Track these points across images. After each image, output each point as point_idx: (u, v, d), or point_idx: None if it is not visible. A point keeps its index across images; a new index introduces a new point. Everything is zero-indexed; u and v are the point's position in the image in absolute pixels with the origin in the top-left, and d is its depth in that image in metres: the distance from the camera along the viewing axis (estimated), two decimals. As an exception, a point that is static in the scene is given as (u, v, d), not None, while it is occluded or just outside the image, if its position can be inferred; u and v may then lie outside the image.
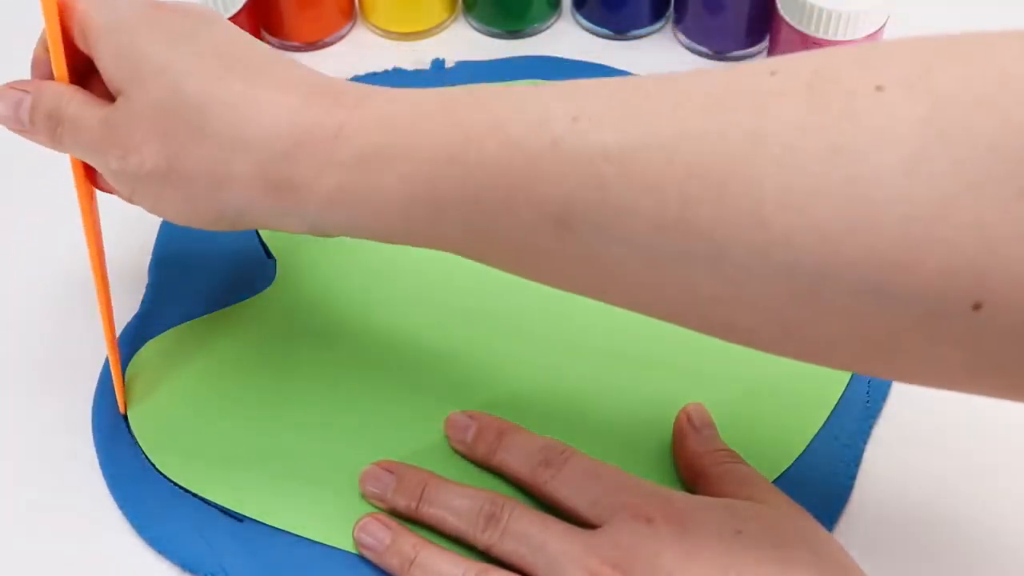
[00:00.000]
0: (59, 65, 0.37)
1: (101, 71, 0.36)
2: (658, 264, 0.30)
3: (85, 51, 0.37)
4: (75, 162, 0.39)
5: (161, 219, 0.50)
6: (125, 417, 0.43)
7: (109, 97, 0.37)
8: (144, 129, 0.35)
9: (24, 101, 0.38)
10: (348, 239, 0.48)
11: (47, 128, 0.37)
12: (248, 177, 0.34)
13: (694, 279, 0.29)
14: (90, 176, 0.40)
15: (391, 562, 0.38)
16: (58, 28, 0.36)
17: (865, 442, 0.42)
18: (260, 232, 0.48)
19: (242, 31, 0.37)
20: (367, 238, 0.35)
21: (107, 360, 0.44)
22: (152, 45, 0.35)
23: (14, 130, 0.39)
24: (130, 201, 0.38)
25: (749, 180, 0.27)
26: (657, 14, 0.58)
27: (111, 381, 0.44)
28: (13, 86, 0.38)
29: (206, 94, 0.34)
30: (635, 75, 0.31)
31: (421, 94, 0.34)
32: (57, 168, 0.52)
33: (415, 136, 0.32)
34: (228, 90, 0.34)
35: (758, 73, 0.29)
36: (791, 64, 0.29)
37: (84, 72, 0.38)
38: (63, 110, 0.37)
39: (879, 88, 0.27)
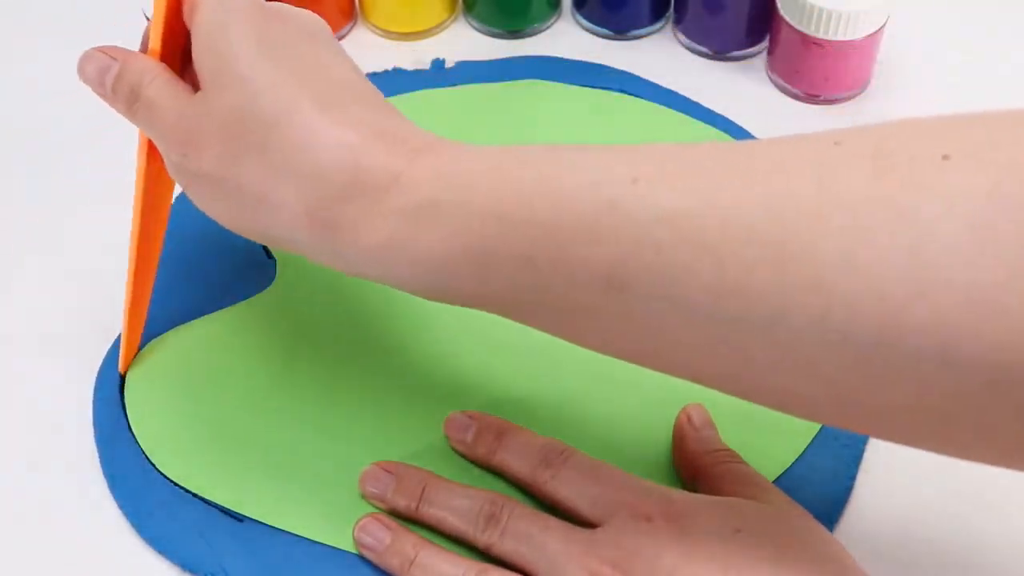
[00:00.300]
0: (155, 38, 0.38)
1: (192, 49, 0.36)
2: (712, 329, 0.29)
3: (186, 22, 0.37)
4: (146, 142, 0.39)
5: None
6: (122, 378, 0.43)
7: (194, 86, 0.37)
8: (211, 131, 0.35)
9: (111, 68, 0.38)
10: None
11: (126, 100, 0.37)
12: (296, 207, 0.34)
13: (749, 345, 0.29)
14: (158, 159, 0.39)
15: (391, 562, 0.38)
16: (165, 2, 0.37)
17: (865, 442, 0.42)
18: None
19: (337, 50, 0.37)
20: (405, 291, 0.35)
21: (107, 360, 0.44)
22: (243, 48, 0.35)
23: (97, 93, 0.39)
24: (188, 196, 0.38)
25: (810, 245, 0.27)
26: (657, 14, 0.58)
27: (112, 381, 0.44)
28: (104, 51, 0.38)
29: (277, 115, 0.34)
30: (694, 143, 0.31)
31: (480, 149, 0.34)
32: (61, 163, 0.52)
33: (469, 192, 0.32)
34: (298, 116, 0.34)
35: (822, 143, 0.29)
36: (855, 134, 0.29)
37: (187, 52, 0.38)
38: (144, 87, 0.37)
39: (945, 158, 0.27)
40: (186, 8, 0.37)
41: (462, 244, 0.32)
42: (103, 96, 0.38)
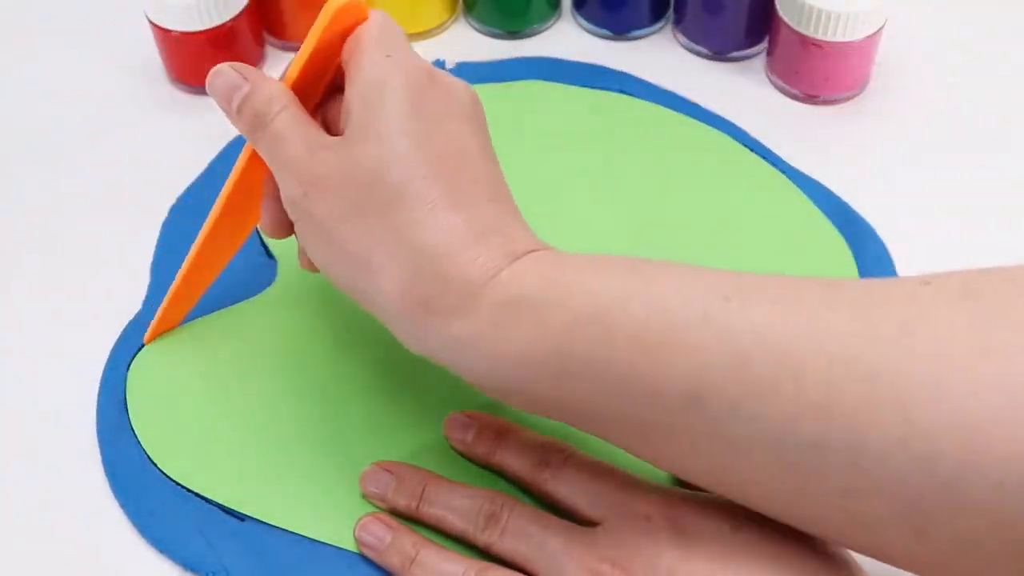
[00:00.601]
0: (296, 67, 0.37)
1: (345, 94, 0.36)
2: (791, 449, 0.29)
3: (343, 65, 0.37)
4: (252, 152, 0.39)
5: (162, 219, 0.50)
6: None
7: (327, 126, 0.37)
8: (338, 179, 0.35)
9: (240, 89, 0.37)
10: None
11: (249, 124, 0.37)
12: (394, 281, 0.34)
13: (827, 468, 0.29)
14: (259, 171, 0.39)
15: (392, 561, 0.38)
16: (322, 30, 0.36)
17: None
18: (260, 232, 0.48)
19: (484, 137, 0.37)
20: (476, 385, 0.35)
21: (109, 359, 0.44)
22: (396, 109, 0.35)
23: (221, 108, 0.38)
24: (296, 231, 0.38)
25: (898, 372, 0.28)
26: (657, 15, 0.58)
27: (113, 381, 0.44)
28: (236, 68, 0.38)
29: (405, 186, 0.34)
30: (774, 276, 0.32)
31: (581, 257, 0.34)
32: (61, 163, 0.53)
33: (563, 292, 0.32)
34: (423, 195, 0.34)
35: (911, 282, 0.30)
36: (944, 276, 0.30)
37: (329, 91, 0.38)
38: (270, 116, 0.36)
39: None
40: (348, 47, 0.37)
41: (548, 343, 0.32)
42: (227, 114, 0.38)
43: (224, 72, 0.38)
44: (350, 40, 0.37)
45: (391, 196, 0.34)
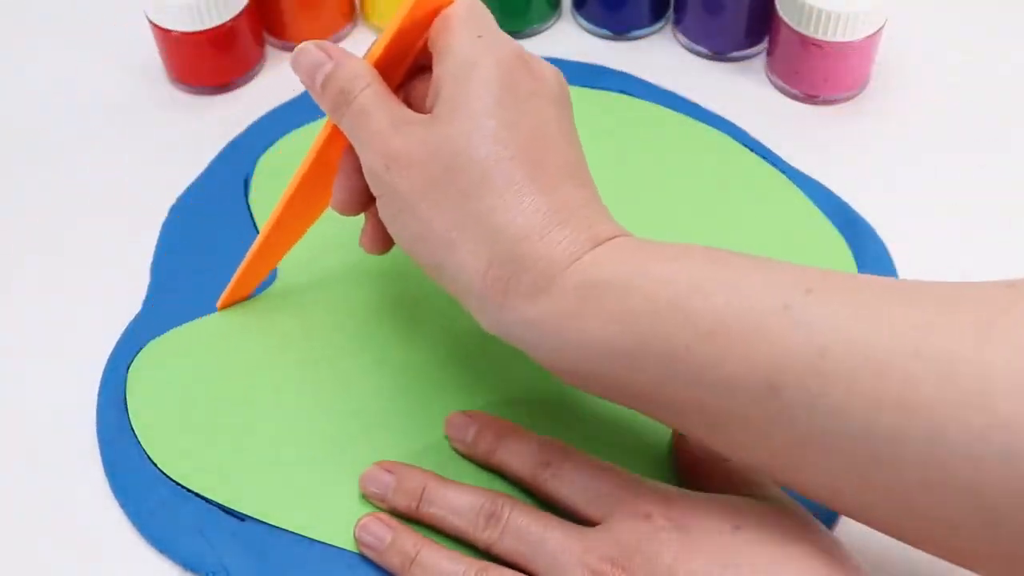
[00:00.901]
0: (381, 45, 0.38)
1: (434, 73, 0.36)
2: (868, 442, 0.29)
3: (430, 46, 0.37)
4: (332, 128, 0.39)
5: (162, 219, 0.50)
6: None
7: (411, 104, 0.37)
8: (424, 156, 0.35)
9: (324, 66, 0.38)
10: (349, 240, 0.48)
11: (333, 101, 0.37)
12: (476, 260, 0.34)
13: (903, 461, 0.29)
14: (339, 145, 0.39)
15: (392, 561, 0.38)
16: (408, 11, 0.36)
17: (864, 442, 0.42)
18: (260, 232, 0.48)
19: (570, 122, 0.37)
20: (549, 367, 0.35)
21: (109, 359, 0.44)
22: (487, 90, 0.35)
23: (305, 86, 0.39)
24: (384, 221, 0.38)
25: (979, 364, 0.28)
26: (657, 15, 0.58)
27: (114, 381, 0.44)
28: (320, 47, 0.38)
29: (491, 167, 0.34)
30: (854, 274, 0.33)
31: (664, 245, 0.34)
32: (61, 163, 0.53)
33: (644, 279, 0.33)
34: (509, 175, 0.34)
35: (993, 285, 0.30)
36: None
37: (411, 70, 0.38)
38: (355, 93, 0.37)
39: None
40: (436, 28, 0.37)
41: (626, 329, 0.32)
42: (311, 91, 0.38)
43: (308, 50, 0.38)
44: (438, 20, 0.37)
45: (477, 175, 0.34)
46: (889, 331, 0.29)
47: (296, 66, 0.38)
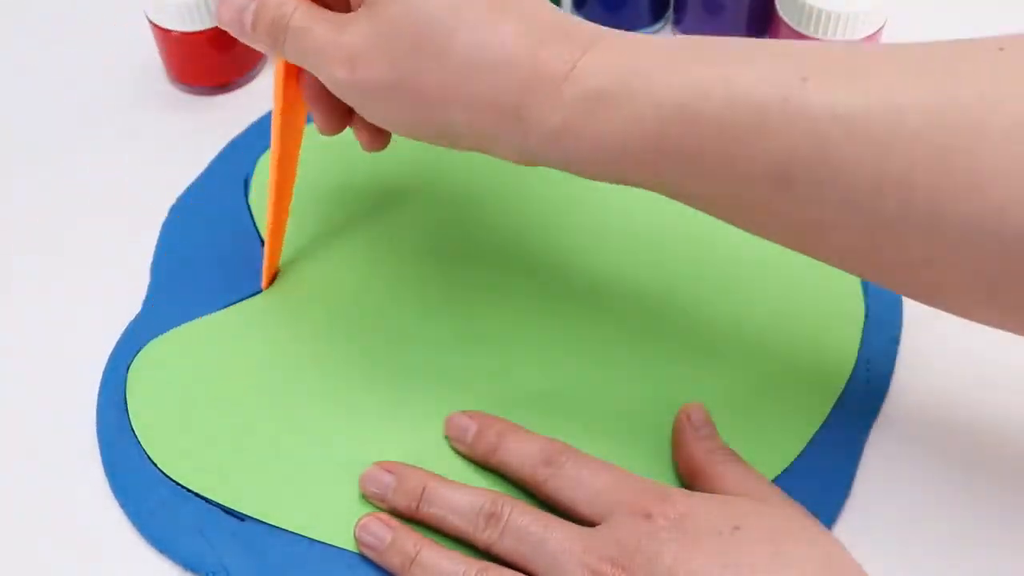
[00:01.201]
0: None
1: None
2: (873, 225, 0.31)
3: None
4: (283, 70, 0.40)
5: (162, 219, 0.50)
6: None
7: (337, 7, 0.37)
8: (380, 44, 0.35)
9: (247, 8, 0.38)
10: (348, 241, 0.48)
11: (270, 36, 0.38)
12: (478, 100, 0.35)
13: (907, 241, 0.31)
14: (295, 86, 0.40)
15: (392, 561, 0.38)
16: None
17: (865, 442, 0.42)
18: (260, 232, 0.48)
19: None
20: (575, 173, 0.36)
21: (109, 359, 0.44)
22: None
23: (238, 36, 0.39)
24: (358, 111, 0.38)
25: (974, 149, 0.29)
26: (657, 14, 0.58)
27: (114, 381, 0.44)
28: None
29: (453, 15, 0.35)
30: (858, 42, 0.33)
31: (652, 42, 0.35)
32: (61, 163, 0.53)
33: (644, 82, 0.33)
34: (472, 16, 0.35)
35: (987, 49, 0.31)
36: (1018, 41, 0.31)
37: None
38: (287, 18, 0.37)
39: None
40: None
41: (636, 133, 0.33)
42: (244, 37, 0.39)
43: (226, 1, 0.38)
44: None
45: (443, 30, 0.35)
46: (888, 117, 0.30)
47: (222, 20, 0.39)
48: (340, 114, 0.40)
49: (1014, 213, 0.29)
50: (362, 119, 0.40)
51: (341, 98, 0.38)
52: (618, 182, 0.36)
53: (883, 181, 0.30)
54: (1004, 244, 0.30)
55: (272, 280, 0.47)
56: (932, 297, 0.34)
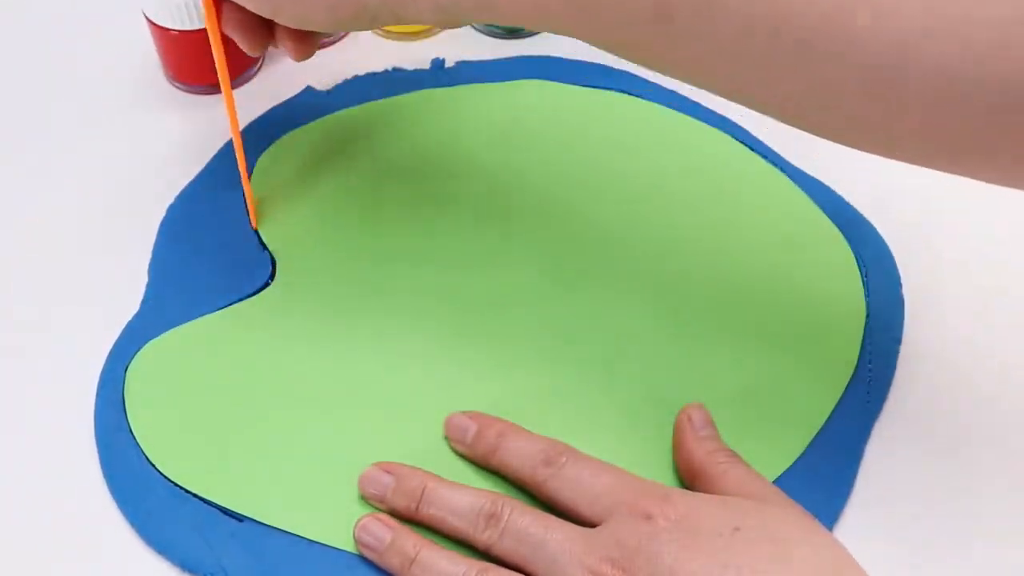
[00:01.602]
0: None
1: None
2: (744, 61, 0.33)
3: None
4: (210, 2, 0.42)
5: (161, 219, 0.50)
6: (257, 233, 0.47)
7: None
8: None
9: None
10: (348, 240, 0.48)
11: None
12: None
13: (778, 75, 0.33)
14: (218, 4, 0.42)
15: (391, 561, 0.38)
16: None
17: (865, 442, 0.42)
18: (260, 232, 0.48)
19: None
20: (495, 21, 0.37)
21: (107, 360, 0.44)
22: None
23: None
24: (273, 17, 0.40)
25: None
26: None
27: (112, 381, 0.44)
28: None
29: None
30: None
31: None
32: (60, 163, 0.53)
33: None
34: None
35: None
36: None
37: None
38: None
39: None
40: None
41: None
42: None
43: None
44: None
45: None
46: None
47: None
48: (262, 33, 0.42)
49: (876, 48, 0.30)
50: (284, 29, 0.42)
51: (257, 12, 0.39)
52: (535, 29, 0.37)
53: (753, 14, 0.32)
54: (868, 75, 0.31)
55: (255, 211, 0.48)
56: (801, 123, 0.35)
